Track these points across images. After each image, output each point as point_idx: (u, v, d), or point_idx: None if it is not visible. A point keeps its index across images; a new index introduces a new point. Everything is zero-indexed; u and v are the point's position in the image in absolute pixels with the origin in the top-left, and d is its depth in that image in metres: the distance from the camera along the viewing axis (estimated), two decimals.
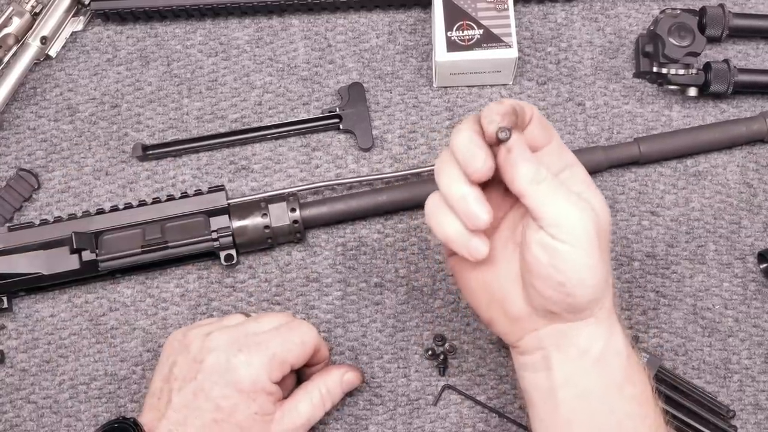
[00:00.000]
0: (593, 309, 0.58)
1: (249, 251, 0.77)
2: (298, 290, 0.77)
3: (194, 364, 0.65)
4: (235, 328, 0.67)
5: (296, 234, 0.75)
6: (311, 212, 0.76)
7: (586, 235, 0.56)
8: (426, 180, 0.77)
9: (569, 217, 0.56)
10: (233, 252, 0.74)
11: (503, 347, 0.76)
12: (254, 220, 0.74)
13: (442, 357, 0.75)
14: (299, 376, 0.71)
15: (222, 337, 0.66)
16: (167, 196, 0.76)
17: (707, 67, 0.79)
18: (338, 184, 0.78)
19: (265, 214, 0.74)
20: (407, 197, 0.76)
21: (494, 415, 0.75)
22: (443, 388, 0.75)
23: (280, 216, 0.75)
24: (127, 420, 0.65)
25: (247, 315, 0.72)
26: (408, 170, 0.78)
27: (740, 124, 0.79)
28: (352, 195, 0.77)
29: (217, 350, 0.65)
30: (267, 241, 0.75)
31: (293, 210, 0.75)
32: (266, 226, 0.74)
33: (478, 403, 0.75)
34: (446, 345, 0.76)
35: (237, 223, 0.74)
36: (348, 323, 0.77)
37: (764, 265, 0.77)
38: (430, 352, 0.75)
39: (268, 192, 0.76)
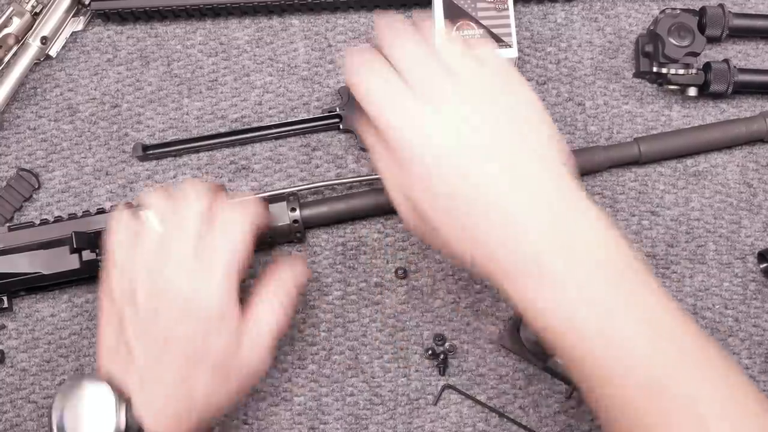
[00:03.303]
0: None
1: None
2: None
3: (149, 314, 0.63)
4: (176, 259, 0.63)
5: (296, 234, 0.75)
6: (311, 212, 0.76)
7: None
8: None
9: None
10: None
11: (503, 347, 0.76)
12: None
13: (442, 357, 0.75)
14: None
15: (170, 277, 0.63)
16: None
17: (707, 67, 0.79)
18: (338, 184, 0.78)
19: None
20: None
21: (494, 414, 0.75)
22: (443, 388, 0.75)
23: (280, 216, 0.75)
24: (100, 379, 0.63)
25: (151, 213, 0.66)
26: None
27: (740, 123, 0.79)
28: (352, 195, 0.77)
29: (171, 290, 0.62)
30: (267, 241, 0.75)
31: (293, 210, 0.75)
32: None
33: (478, 402, 0.75)
34: (446, 345, 0.76)
35: None
36: (348, 323, 0.77)
37: (764, 264, 0.77)
38: (430, 352, 0.75)
39: (268, 192, 0.77)
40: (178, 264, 0.63)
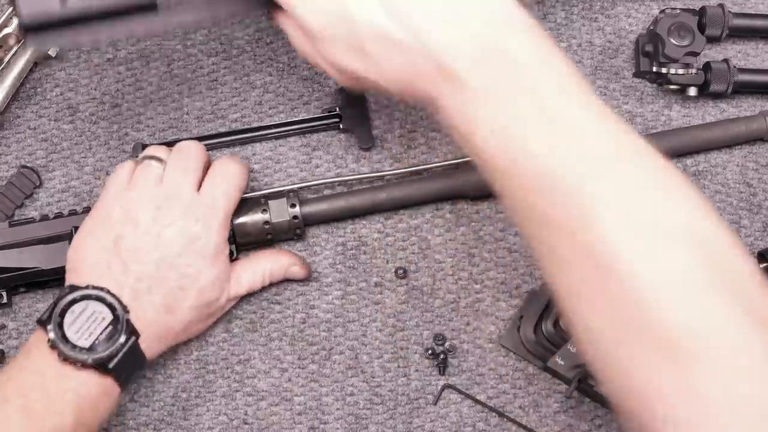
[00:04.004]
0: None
1: (248, 248, 0.77)
2: (298, 290, 0.77)
3: (148, 237, 0.68)
4: (180, 196, 0.69)
5: (296, 230, 0.75)
6: (311, 209, 0.76)
7: None
8: (426, 178, 0.77)
9: None
10: (233, 248, 0.74)
11: (503, 347, 0.76)
12: (254, 217, 0.74)
13: (442, 356, 0.75)
14: None
15: (175, 210, 0.69)
16: None
17: (707, 66, 0.79)
18: (339, 182, 0.78)
19: (264, 210, 0.74)
20: (408, 195, 0.77)
21: (494, 414, 0.75)
22: (443, 388, 0.75)
23: (280, 212, 0.75)
24: (101, 288, 0.66)
25: (155, 158, 0.71)
26: (409, 168, 0.78)
27: (740, 122, 0.79)
28: (352, 192, 0.77)
29: (173, 225, 0.68)
30: (267, 237, 0.75)
31: (293, 206, 0.75)
32: (266, 222, 0.74)
33: (478, 402, 0.75)
34: (446, 344, 0.76)
35: (237, 220, 0.74)
36: (348, 323, 0.77)
37: (764, 264, 0.77)
38: (430, 352, 0.75)
39: (267, 189, 0.77)
40: (182, 200, 0.69)
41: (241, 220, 0.74)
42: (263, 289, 0.77)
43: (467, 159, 0.77)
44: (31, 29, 0.63)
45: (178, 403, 0.75)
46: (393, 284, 0.77)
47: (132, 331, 0.65)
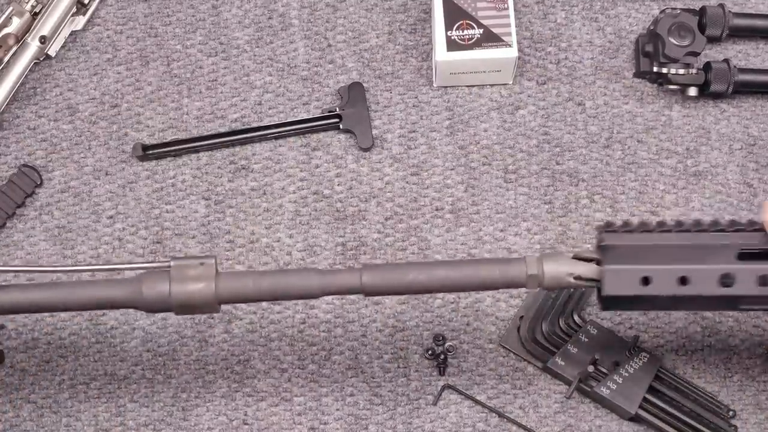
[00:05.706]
0: None
1: None
2: None
3: None
4: None
5: None
6: None
7: None
8: (105, 281, 0.64)
9: None
10: None
11: (503, 347, 0.76)
12: None
13: (441, 357, 0.75)
14: None
15: None
16: None
17: (707, 66, 0.79)
18: (24, 272, 0.68)
19: None
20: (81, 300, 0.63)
21: (494, 414, 0.75)
22: (443, 388, 0.75)
23: None
24: None
25: None
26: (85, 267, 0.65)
27: (498, 265, 0.62)
28: (46, 285, 0.64)
29: None
30: None
31: None
32: None
33: (477, 402, 0.75)
34: (446, 345, 0.76)
35: None
36: (348, 323, 0.77)
37: None
38: (429, 352, 0.75)
39: None
40: None
41: None
42: None
43: (131, 267, 0.64)
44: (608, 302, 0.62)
45: (178, 403, 0.75)
46: None
47: None
